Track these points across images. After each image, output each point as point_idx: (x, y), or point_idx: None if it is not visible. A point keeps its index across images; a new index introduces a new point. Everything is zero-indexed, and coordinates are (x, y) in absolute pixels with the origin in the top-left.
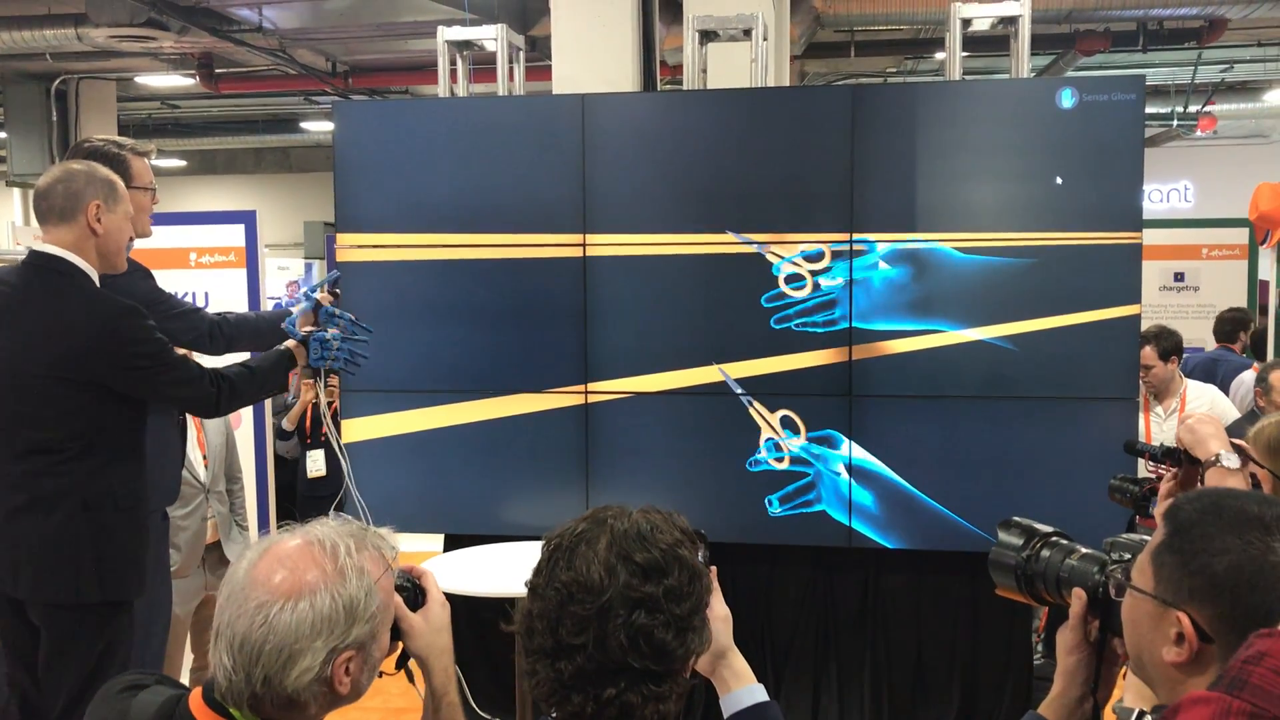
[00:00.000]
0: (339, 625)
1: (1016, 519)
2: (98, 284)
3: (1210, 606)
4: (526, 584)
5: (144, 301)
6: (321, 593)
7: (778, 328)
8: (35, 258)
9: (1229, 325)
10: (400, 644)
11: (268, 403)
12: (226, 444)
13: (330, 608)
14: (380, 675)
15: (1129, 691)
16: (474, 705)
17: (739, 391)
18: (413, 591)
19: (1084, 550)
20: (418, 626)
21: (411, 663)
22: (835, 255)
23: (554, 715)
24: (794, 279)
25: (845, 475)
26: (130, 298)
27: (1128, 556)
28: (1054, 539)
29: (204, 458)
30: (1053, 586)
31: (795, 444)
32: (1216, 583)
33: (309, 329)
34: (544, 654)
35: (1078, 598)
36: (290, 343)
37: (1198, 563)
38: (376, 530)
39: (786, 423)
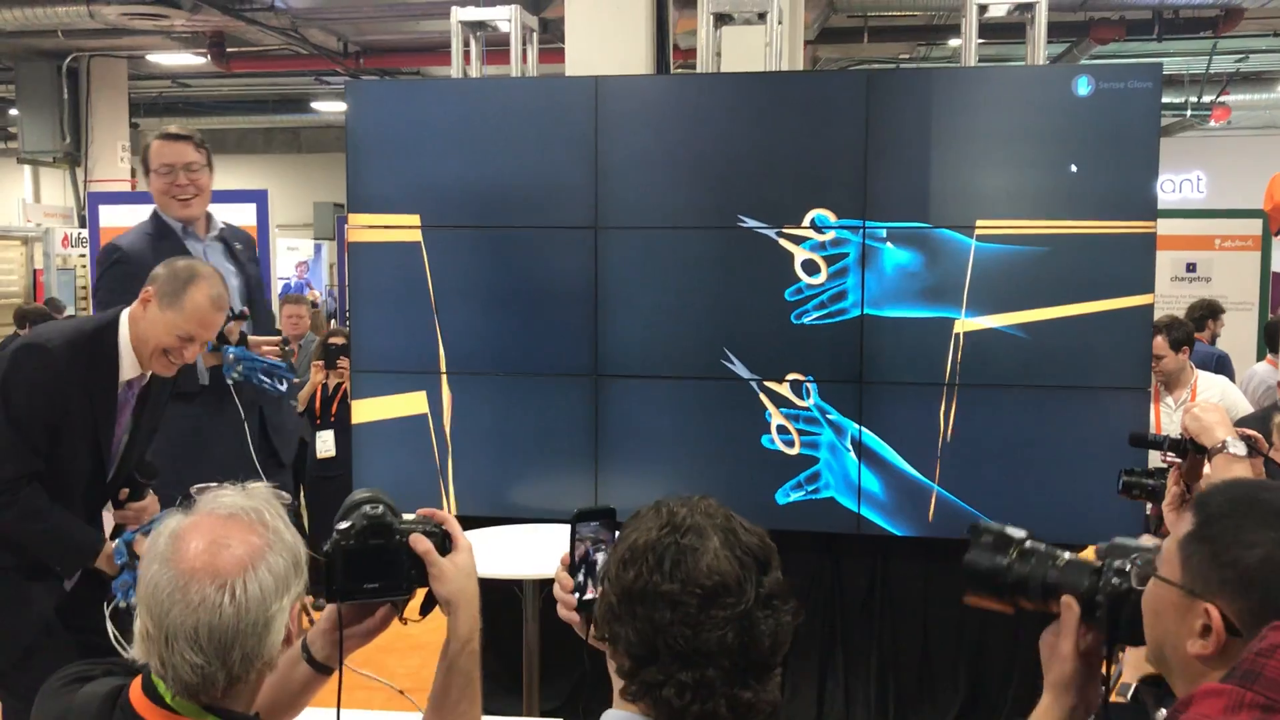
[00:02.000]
0: (293, 578)
1: (985, 524)
2: (130, 361)
3: (1240, 600)
4: (613, 592)
5: None
6: (270, 554)
7: (789, 313)
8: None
9: (1199, 312)
10: (423, 590)
11: None
12: None
13: (284, 565)
14: (405, 622)
15: (1127, 667)
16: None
17: (748, 376)
18: (440, 537)
19: (1068, 556)
20: (448, 570)
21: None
22: (848, 241)
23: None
24: (806, 265)
25: (853, 453)
26: None
27: (1133, 562)
28: (1028, 544)
29: None
30: (1037, 594)
31: (806, 404)
32: (1248, 576)
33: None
34: (680, 659)
35: (1069, 607)
36: (109, 548)
37: (1229, 555)
38: (255, 486)
39: (796, 388)
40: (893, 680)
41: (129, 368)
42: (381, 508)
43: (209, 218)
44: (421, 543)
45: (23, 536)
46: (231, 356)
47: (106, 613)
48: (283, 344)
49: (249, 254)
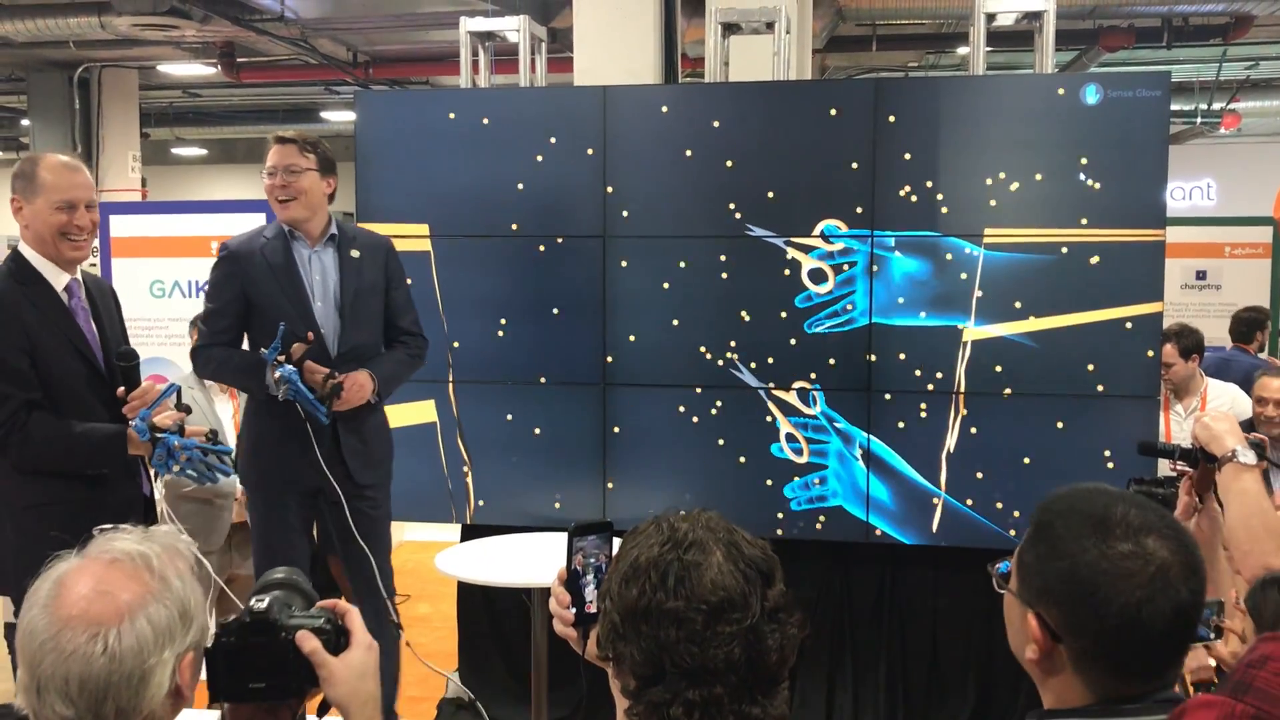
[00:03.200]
0: (178, 630)
1: None
2: (53, 270)
3: (1054, 609)
4: (616, 610)
5: None
6: (153, 604)
7: (797, 321)
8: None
9: (1245, 325)
10: (319, 691)
11: None
12: None
13: (167, 616)
14: None
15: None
16: None
17: (756, 385)
18: (333, 634)
19: None
20: (338, 672)
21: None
22: (856, 250)
23: None
24: (814, 274)
25: (862, 461)
26: None
27: None
28: None
29: (236, 434)
30: None
31: (813, 413)
32: (1056, 587)
33: (160, 433)
34: (687, 677)
35: None
36: (132, 431)
37: (1044, 565)
38: (157, 528)
39: (803, 396)
40: (902, 688)
41: (53, 276)
42: (268, 601)
43: (329, 223)
44: (308, 641)
45: (56, 460)
46: (278, 375)
47: (159, 492)
48: (327, 378)
49: (372, 261)
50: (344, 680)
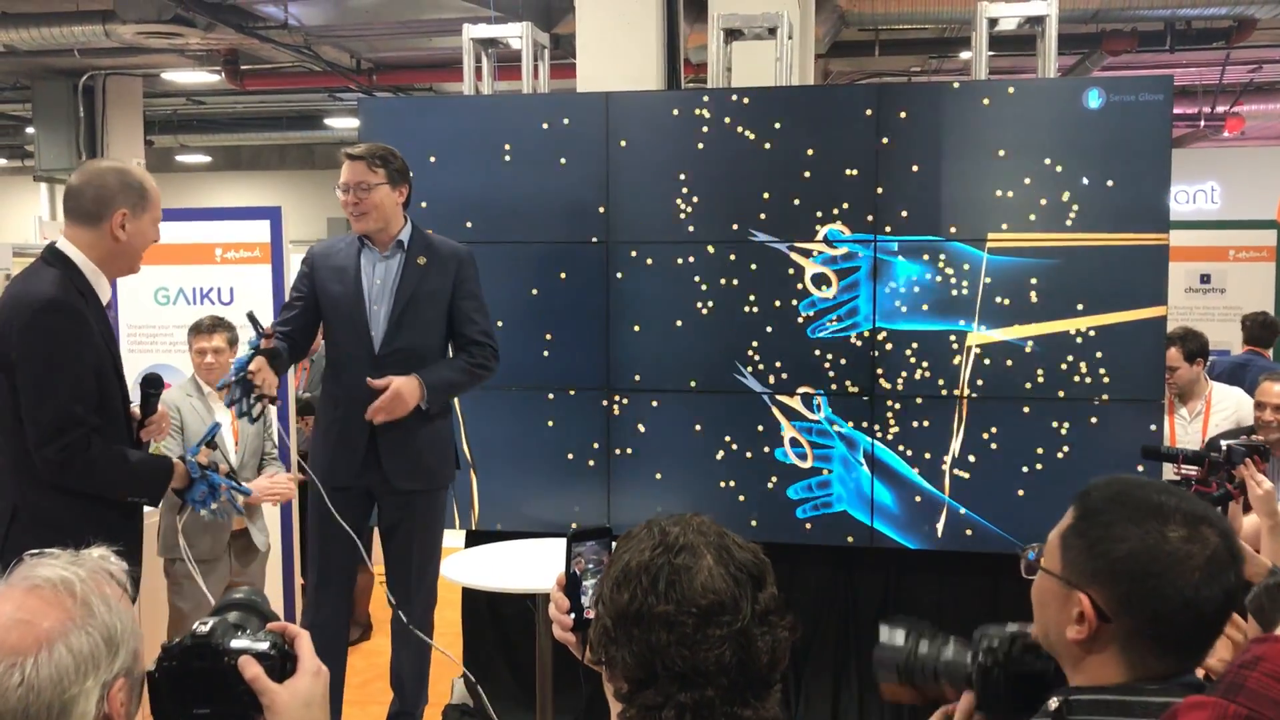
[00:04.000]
0: (103, 658)
1: (899, 616)
2: (103, 284)
3: (1109, 589)
4: (608, 614)
5: None
6: (74, 632)
7: (801, 326)
8: (45, 251)
9: (1262, 329)
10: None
11: (291, 392)
12: (260, 427)
13: (89, 644)
14: None
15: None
16: None
17: (760, 390)
18: (279, 659)
19: (955, 641)
20: (280, 700)
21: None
22: (859, 255)
23: None
24: (817, 278)
25: (866, 467)
26: None
27: (995, 643)
28: (927, 633)
29: (235, 442)
30: (930, 678)
31: (817, 418)
32: (1116, 568)
33: (203, 465)
34: (678, 680)
35: (966, 696)
36: (180, 465)
37: (1100, 548)
38: (89, 551)
39: (807, 401)
40: None
41: (101, 289)
42: (211, 624)
43: (401, 230)
44: (249, 667)
45: (109, 487)
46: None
47: (179, 527)
48: (246, 376)
49: (441, 269)
50: (287, 708)
